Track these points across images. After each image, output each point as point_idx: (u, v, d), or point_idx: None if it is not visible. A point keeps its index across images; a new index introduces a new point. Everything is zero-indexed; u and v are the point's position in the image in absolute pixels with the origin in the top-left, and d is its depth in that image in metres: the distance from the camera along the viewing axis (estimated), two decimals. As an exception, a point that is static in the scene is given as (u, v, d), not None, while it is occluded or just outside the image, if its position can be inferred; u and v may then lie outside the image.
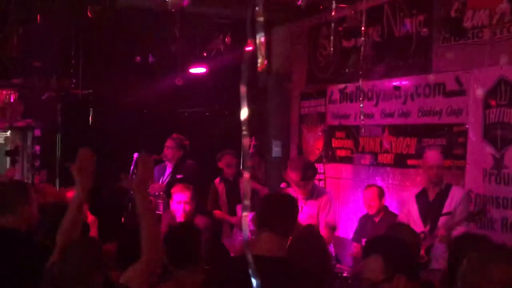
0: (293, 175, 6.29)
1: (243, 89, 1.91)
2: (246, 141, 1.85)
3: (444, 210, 5.85)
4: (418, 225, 5.84)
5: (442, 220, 5.81)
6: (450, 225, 5.65)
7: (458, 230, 5.60)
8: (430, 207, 5.95)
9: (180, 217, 5.74)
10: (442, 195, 5.93)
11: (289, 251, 4.33)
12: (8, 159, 9.61)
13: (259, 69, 1.93)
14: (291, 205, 3.45)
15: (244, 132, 1.87)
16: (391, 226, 5.89)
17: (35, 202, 4.35)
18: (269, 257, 3.15)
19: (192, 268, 3.63)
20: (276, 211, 3.32)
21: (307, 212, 6.34)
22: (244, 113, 1.89)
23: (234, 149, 7.56)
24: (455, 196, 5.89)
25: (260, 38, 1.90)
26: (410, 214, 6.06)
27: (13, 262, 3.91)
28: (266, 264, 3.11)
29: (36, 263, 3.70)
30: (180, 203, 5.78)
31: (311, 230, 4.88)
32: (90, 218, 5.83)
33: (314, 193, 6.38)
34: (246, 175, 2.09)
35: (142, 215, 3.32)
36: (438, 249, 5.77)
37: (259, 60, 1.89)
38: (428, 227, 5.84)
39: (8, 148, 10.03)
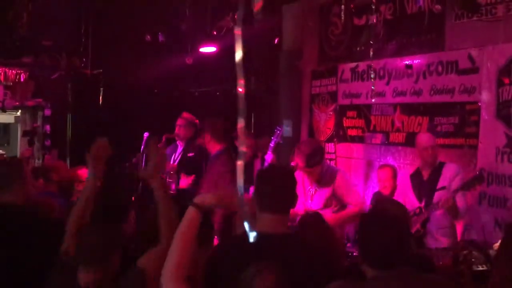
0: (298, 160, 6.20)
1: (237, 31, 1.89)
2: (241, 82, 1.83)
3: (439, 186, 5.92)
4: (413, 203, 5.95)
5: (437, 195, 5.85)
6: (453, 191, 5.69)
7: (460, 200, 5.71)
8: (424, 185, 6.02)
9: None
10: (436, 173, 6.00)
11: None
12: (19, 138, 9.65)
13: (255, 9, 1.91)
14: (287, 180, 3.37)
15: (239, 74, 1.86)
16: (379, 201, 5.95)
17: (30, 177, 4.39)
18: (272, 234, 3.12)
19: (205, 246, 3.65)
20: (273, 190, 3.25)
21: (319, 199, 6.22)
22: (238, 55, 1.88)
23: (245, 128, 7.50)
24: (448, 171, 5.95)
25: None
26: (405, 194, 6.12)
27: (12, 236, 3.93)
28: (270, 240, 3.09)
29: (35, 235, 3.73)
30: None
31: (315, 218, 4.82)
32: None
33: (324, 178, 6.22)
34: (241, 124, 2.06)
35: (160, 203, 3.35)
36: (434, 223, 5.87)
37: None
38: (423, 203, 5.91)
39: (19, 127, 10.07)
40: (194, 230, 2.95)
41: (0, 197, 4.11)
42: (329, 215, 5.83)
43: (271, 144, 6.78)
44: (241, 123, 2.10)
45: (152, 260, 3.26)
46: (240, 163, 2.18)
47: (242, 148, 2.16)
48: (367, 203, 7.29)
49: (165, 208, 3.34)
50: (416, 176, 6.14)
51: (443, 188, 5.87)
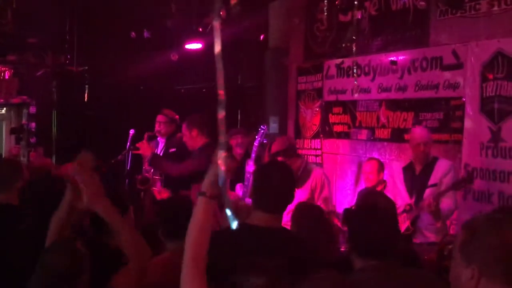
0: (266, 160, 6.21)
1: (216, 24, 1.93)
2: (220, 74, 1.87)
3: (430, 182, 5.89)
4: (404, 198, 5.95)
5: (427, 192, 5.84)
6: (437, 195, 5.69)
7: (445, 202, 5.71)
8: (416, 180, 6.00)
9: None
10: (428, 169, 5.97)
11: (297, 229, 4.27)
12: (4, 136, 9.62)
13: (232, 1, 1.95)
14: (285, 181, 3.35)
15: (219, 66, 1.89)
16: (366, 194, 5.95)
17: (28, 178, 4.36)
18: (263, 227, 3.13)
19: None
20: (270, 191, 3.25)
21: (297, 198, 6.15)
22: (217, 48, 1.92)
23: (232, 126, 7.50)
24: (440, 168, 5.92)
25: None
26: (396, 187, 6.11)
27: (8, 236, 3.91)
28: (260, 233, 3.10)
29: (31, 236, 3.70)
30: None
31: (309, 205, 4.84)
32: None
33: (302, 178, 6.14)
34: (221, 114, 2.08)
35: (115, 228, 3.18)
36: (424, 221, 5.84)
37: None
38: (413, 199, 5.90)
39: (4, 125, 10.03)
40: (208, 221, 2.79)
41: None
42: None
43: (255, 143, 6.71)
44: (221, 114, 2.11)
45: (125, 280, 3.18)
46: (221, 153, 2.19)
47: (221, 138, 2.17)
48: (353, 201, 7.33)
49: (123, 231, 3.17)
50: (408, 170, 6.10)
51: (434, 185, 5.84)
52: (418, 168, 6.04)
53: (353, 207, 6.57)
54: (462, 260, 2.24)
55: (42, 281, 3.15)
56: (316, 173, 6.26)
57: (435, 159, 6.02)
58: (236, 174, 6.69)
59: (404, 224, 5.75)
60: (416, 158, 6.04)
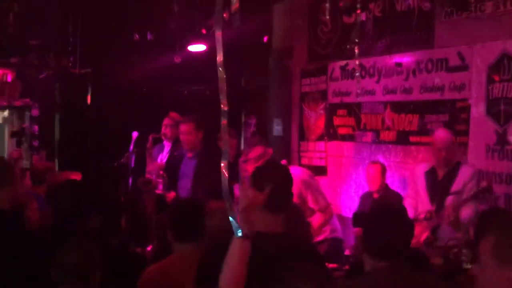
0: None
1: (218, 35, 1.90)
2: (222, 81, 1.85)
3: (453, 189, 5.67)
4: (425, 203, 5.77)
5: (449, 199, 5.62)
6: (458, 204, 5.50)
7: (465, 211, 5.50)
8: (438, 186, 5.77)
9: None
10: (451, 174, 5.73)
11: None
12: (6, 138, 9.59)
13: (232, 9, 1.93)
14: (284, 179, 3.35)
15: (220, 73, 1.88)
16: (377, 201, 5.88)
17: (20, 182, 4.30)
18: (265, 233, 3.09)
19: (195, 242, 3.63)
20: (269, 189, 3.22)
21: None
22: (219, 57, 1.90)
23: (234, 128, 7.47)
24: (464, 174, 5.69)
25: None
26: (418, 191, 5.91)
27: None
28: (263, 239, 3.06)
29: (22, 239, 3.67)
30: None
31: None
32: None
33: None
34: (224, 121, 2.06)
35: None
36: (445, 230, 5.60)
37: (233, 1, 1.88)
38: (434, 206, 5.69)
39: (6, 128, 9.99)
40: (243, 264, 2.69)
41: None
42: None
43: (246, 136, 6.68)
44: (224, 123, 2.10)
45: None
46: (224, 162, 2.17)
47: (225, 148, 2.15)
48: (356, 204, 7.29)
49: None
50: (431, 175, 5.84)
51: (457, 192, 5.61)
52: (441, 173, 5.78)
53: (362, 211, 6.54)
54: (496, 263, 2.19)
55: (55, 279, 3.20)
56: (298, 177, 6.04)
57: (458, 164, 5.77)
58: (229, 174, 6.64)
59: (424, 233, 5.54)
60: (438, 163, 5.80)
